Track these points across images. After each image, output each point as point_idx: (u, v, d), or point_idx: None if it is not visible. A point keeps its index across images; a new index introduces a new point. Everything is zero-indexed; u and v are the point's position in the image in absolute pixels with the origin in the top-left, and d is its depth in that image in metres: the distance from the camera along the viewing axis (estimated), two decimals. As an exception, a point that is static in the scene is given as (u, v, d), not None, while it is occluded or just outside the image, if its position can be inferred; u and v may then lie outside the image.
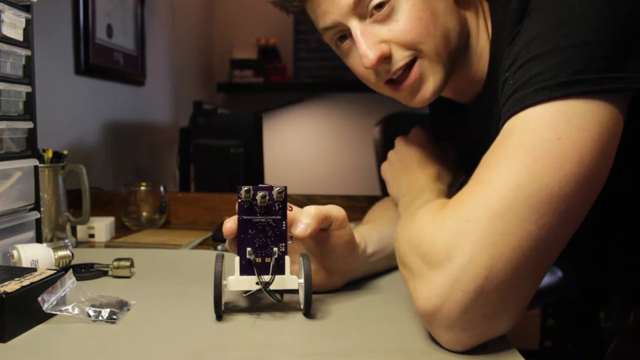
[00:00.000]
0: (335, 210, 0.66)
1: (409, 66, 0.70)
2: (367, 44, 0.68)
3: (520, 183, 0.50)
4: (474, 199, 0.52)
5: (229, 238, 0.62)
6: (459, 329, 0.51)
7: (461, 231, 0.51)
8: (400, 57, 0.69)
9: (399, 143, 0.87)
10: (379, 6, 0.68)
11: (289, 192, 0.62)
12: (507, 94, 0.56)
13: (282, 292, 0.62)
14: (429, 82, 0.71)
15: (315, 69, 3.22)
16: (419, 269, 0.54)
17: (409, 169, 0.82)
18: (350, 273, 0.73)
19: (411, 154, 0.84)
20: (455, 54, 0.72)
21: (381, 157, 1.70)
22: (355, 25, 0.69)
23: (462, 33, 0.72)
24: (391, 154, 0.88)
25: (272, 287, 0.60)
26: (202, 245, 1.09)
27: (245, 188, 0.60)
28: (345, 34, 0.72)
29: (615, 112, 0.52)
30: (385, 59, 0.69)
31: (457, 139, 0.90)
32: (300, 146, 3.20)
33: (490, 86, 0.72)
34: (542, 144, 0.51)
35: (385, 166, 0.89)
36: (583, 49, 0.52)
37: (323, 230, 0.66)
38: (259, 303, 0.66)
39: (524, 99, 0.53)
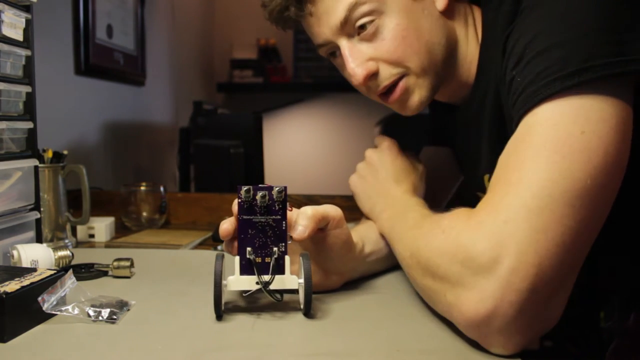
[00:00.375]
0: (332, 210, 0.66)
1: (396, 82, 0.73)
2: (355, 62, 0.72)
3: (553, 180, 0.50)
4: (507, 200, 0.51)
5: (226, 239, 0.62)
6: (513, 330, 0.50)
7: (502, 233, 0.50)
8: (388, 75, 0.72)
9: (371, 156, 0.84)
10: (364, 25, 0.70)
11: (289, 192, 0.62)
12: (517, 91, 0.56)
13: (282, 292, 0.62)
14: (415, 95, 0.74)
15: (315, 69, 3.22)
16: (459, 276, 0.52)
17: (383, 184, 0.81)
18: (347, 273, 0.73)
19: (385, 168, 0.82)
20: (443, 65, 0.73)
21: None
22: (344, 44, 0.72)
23: (450, 44, 0.73)
24: (362, 167, 0.85)
25: (272, 287, 0.60)
26: (202, 245, 1.09)
27: (245, 188, 0.60)
28: (337, 50, 0.75)
29: (626, 100, 0.52)
30: (373, 75, 0.72)
31: (455, 138, 0.90)
32: (300, 146, 3.20)
33: (478, 89, 0.73)
34: (568, 138, 0.51)
35: (354, 179, 0.85)
36: (587, 38, 0.52)
37: (320, 230, 0.66)
38: (259, 303, 0.66)
39: (536, 93, 0.53)
